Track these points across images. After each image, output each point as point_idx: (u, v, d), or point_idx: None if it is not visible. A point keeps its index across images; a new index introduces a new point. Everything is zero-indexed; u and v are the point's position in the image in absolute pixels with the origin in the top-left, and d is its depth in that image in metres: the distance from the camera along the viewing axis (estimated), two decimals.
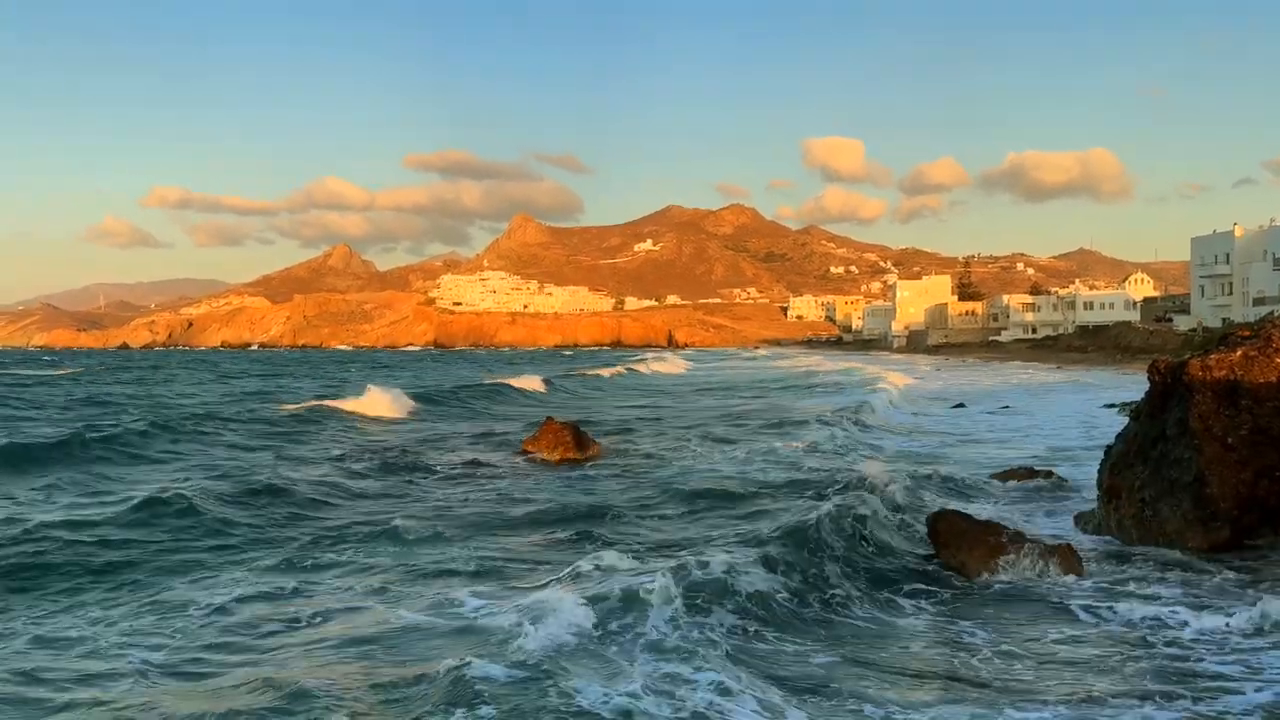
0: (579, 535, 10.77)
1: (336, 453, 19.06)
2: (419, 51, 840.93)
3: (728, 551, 8.97)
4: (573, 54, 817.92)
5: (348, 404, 28.64)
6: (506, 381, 41.42)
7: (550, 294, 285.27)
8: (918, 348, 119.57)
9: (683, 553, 9.17)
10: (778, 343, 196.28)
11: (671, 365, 66.97)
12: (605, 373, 54.54)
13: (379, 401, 29.41)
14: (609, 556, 8.87)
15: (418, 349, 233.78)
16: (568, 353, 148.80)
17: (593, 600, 7.28)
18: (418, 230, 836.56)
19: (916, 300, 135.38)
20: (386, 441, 20.92)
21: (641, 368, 63.74)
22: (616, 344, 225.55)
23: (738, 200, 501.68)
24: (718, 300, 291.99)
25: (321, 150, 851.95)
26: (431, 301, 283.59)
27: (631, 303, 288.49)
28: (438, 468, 16.86)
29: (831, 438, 19.61)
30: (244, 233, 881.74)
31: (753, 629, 7.48)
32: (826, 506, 11.01)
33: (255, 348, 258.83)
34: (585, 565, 8.62)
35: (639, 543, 10.33)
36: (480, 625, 7.16)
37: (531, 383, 41.92)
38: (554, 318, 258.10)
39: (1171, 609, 8.12)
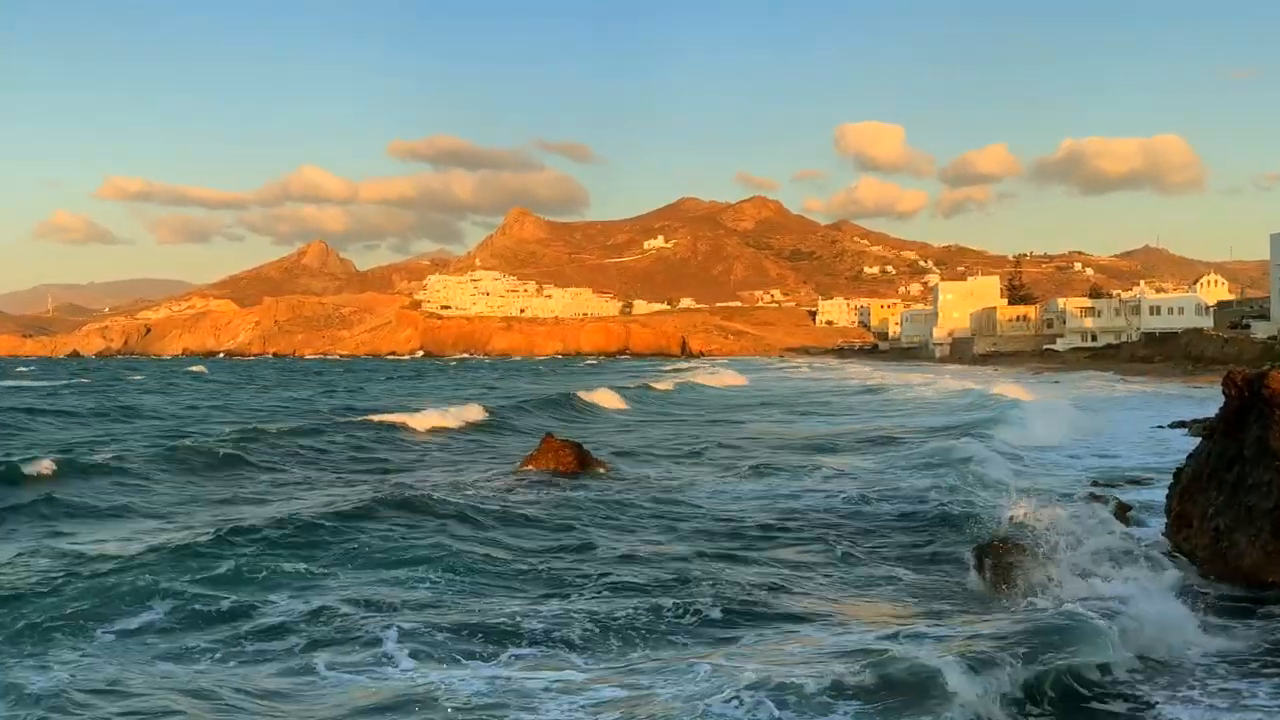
0: None
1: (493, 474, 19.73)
2: (406, 27, 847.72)
3: None
4: (579, 30, 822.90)
5: (429, 419, 29.89)
6: (575, 393, 41.71)
7: (550, 296, 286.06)
8: (963, 357, 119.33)
9: None
10: (805, 351, 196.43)
11: (726, 377, 67.46)
12: (659, 385, 54.41)
13: (456, 415, 31.51)
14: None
15: (403, 358, 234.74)
16: (590, 361, 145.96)
17: None
18: (403, 225, 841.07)
19: (961, 304, 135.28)
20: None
21: (699, 379, 64.03)
22: (624, 352, 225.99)
23: (760, 192, 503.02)
24: (737, 304, 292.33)
25: (298, 136, 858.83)
26: (417, 305, 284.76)
27: (640, 306, 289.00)
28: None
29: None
30: (210, 228, 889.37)
31: None
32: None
33: (221, 356, 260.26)
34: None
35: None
36: None
37: (608, 398, 42.64)
38: (554, 323, 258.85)
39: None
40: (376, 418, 29.92)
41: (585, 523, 13.75)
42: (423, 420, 29.81)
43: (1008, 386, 43.85)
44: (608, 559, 11.47)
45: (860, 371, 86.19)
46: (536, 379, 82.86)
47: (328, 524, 12.71)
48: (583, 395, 42.03)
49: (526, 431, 28.98)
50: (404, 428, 28.41)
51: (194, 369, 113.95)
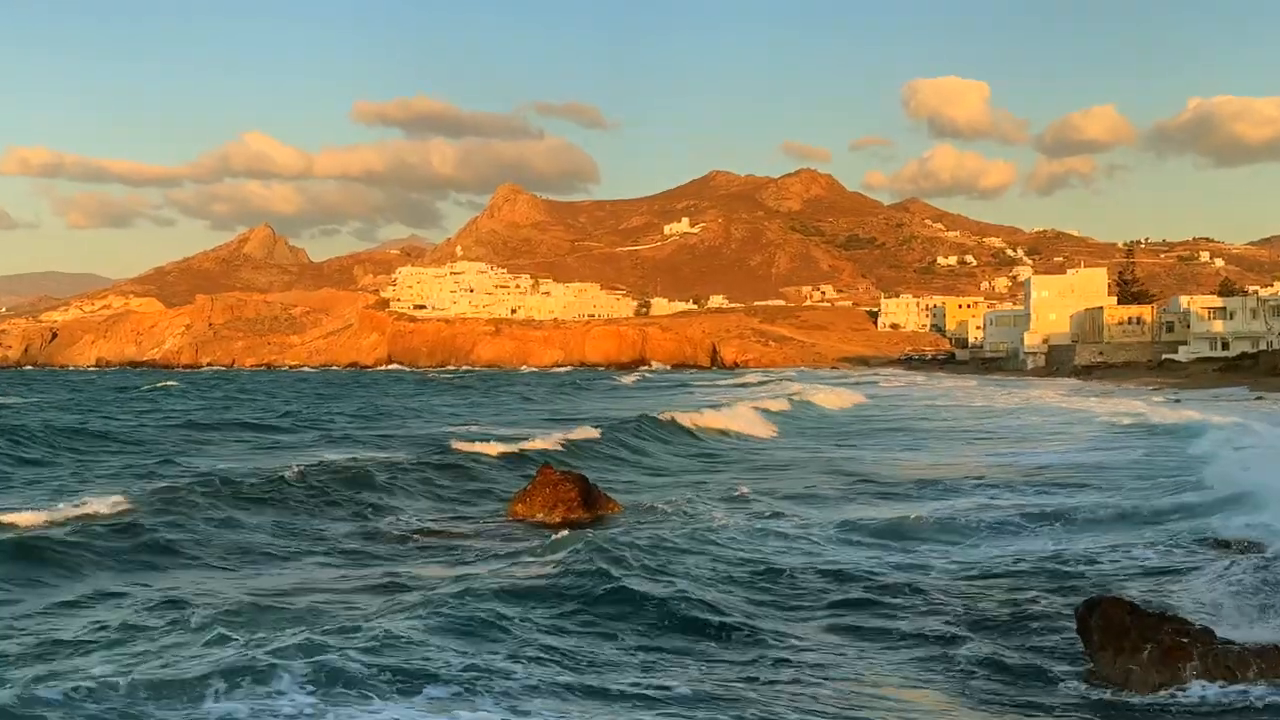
0: None
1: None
2: None
3: None
4: None
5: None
6: (688, 422, 42.03)
7: (548, 293, 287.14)
8: (1060, 368, 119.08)
9: None
10: (864, 361, 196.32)
11: (837, 396, 68.11)
12: (773, 405, 54.69)
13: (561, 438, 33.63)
14: None
15: (367, 369, 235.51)
16: (626, 379, 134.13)
17: None
18: (368, 205, 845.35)
19: (1059, 302, 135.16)
20: None
21: (814, 398, 64.12)
22: (640, 363, 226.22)
23: (809, 164, 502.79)
24: (780, 302, 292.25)
25: (240, 96, 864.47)
26: (384, 304, 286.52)
27: (660, 306, 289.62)
28: None
29: None
30: (133, 209, 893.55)
31: None
32: None
33: (143, 367, 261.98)
34: None
35: None
36: None
37: (741, 419, 43.82)
38: (553, 326, 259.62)
39: None
40: (468, 446, 31.06)
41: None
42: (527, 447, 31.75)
43: (1187, 412, 44.57)
44: None
45: (960, 388, 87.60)
46: (573, 397, 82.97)
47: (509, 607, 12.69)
48: (703, 419, 42.87)
49: (661, 465, 30.55)
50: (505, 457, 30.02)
51: (166, 384, 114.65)
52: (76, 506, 19.21)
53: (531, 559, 15.83)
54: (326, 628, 11.33)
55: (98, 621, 12.40)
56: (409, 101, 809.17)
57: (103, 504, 19.37)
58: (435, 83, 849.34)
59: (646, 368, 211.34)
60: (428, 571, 15.61)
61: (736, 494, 23.37)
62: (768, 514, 20.41)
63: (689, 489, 24.74)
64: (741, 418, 45.10)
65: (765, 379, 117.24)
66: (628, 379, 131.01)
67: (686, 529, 18.06)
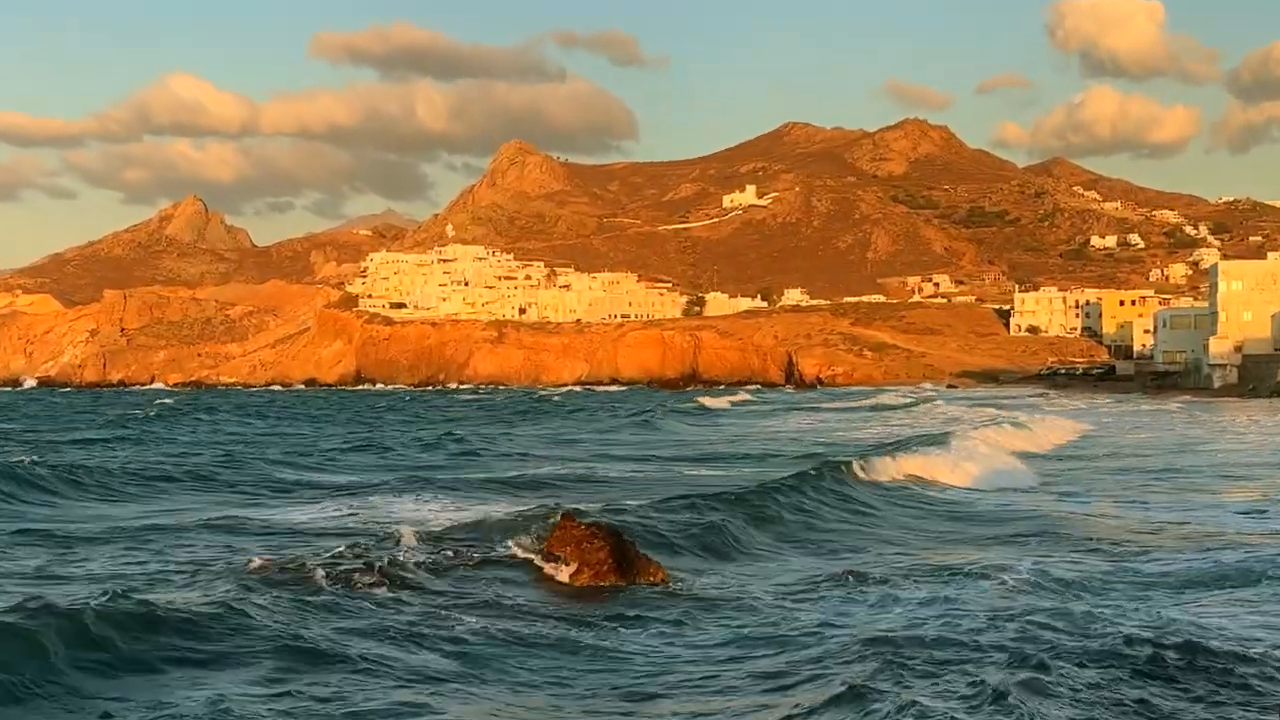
0: None
1: None
2: None
3: None
4: None
5: None
6: None
7: (568, 286, 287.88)
8: (1259, 386, 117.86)
9: None
10: (992, 377, 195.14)
11: (1056, 427, 68.62)
12: (1004, 440, 56.04)
13: None
14: None
15: (324, 389, 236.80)
16: (713, 400, 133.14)
17: None
18: (332, 170, 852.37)
19: (1256, 297, 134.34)
20: None
21: (1034, 426, 65.15)
22: (690, 379, 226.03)
23: (919, 113, 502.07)
24: (878, 298, 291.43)
25: (163, 27, 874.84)
26: (351, 301, 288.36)
27: (717, 303, 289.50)
28: None
29: None
30: (20, 177, 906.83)
31: None
32: None
33: (31, 384, 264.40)
34: None
35: None
36: None
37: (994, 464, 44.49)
38: (574, 331, 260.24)
39: None
40: None
41: None
42: None
43: None
44: None
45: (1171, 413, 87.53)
46: (660, 430, 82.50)
47: None
48: (920, 465, 43.06)
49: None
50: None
51: (163, 401, 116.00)
52: None
53: None
54: None
55: None
56: (386, 32, 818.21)
57: None
58: (420, 6, 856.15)
59: (700, 386, 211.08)
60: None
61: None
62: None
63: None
64: (977, 460, 45.07)
65: (905, 400, 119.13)
66: (717, 400, 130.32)
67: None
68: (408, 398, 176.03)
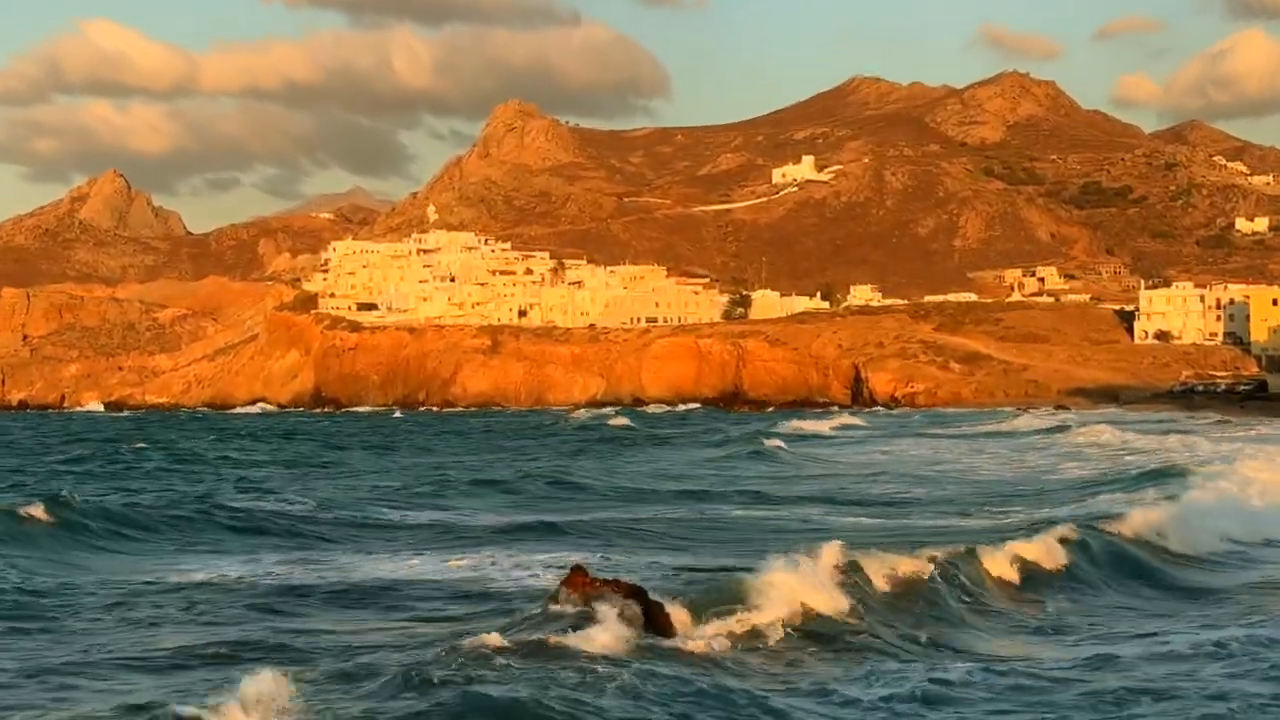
0: None
1: None
2: None
3: None
4: None
5: None
6: None
7: (579, 283, 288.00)
8: None
9: None
10: (1111, 395, 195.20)
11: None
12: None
13: None
14: None
15: (277, 410, 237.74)
16: (807, 424, 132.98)
17: None
18: (287, 138, 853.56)
19: None
20: None
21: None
22: (733, 397, 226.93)
23: (1018, 65, 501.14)
24: (968, 296, 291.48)
25: None
26: (309, 302, 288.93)
27: (765, 303, 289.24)
28: None
29: None
30: None
31: None
32: None
33: None
34: None
35: None
36: None
37: None
38: (587, 338, 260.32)
39: None
40: None
41: None
42: None
43: None
44: None
45: None
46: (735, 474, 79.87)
47: None
48: None
49: None
50: None
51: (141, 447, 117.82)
52: None
53: None
54: None
55: None
56: None
57: None
58: None
59: (746, 408, 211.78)
60: None
61: None
62: None
63: None
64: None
65: (1040, 423, 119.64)
66: (815, 424, 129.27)
67: None
68: (376, 424, 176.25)
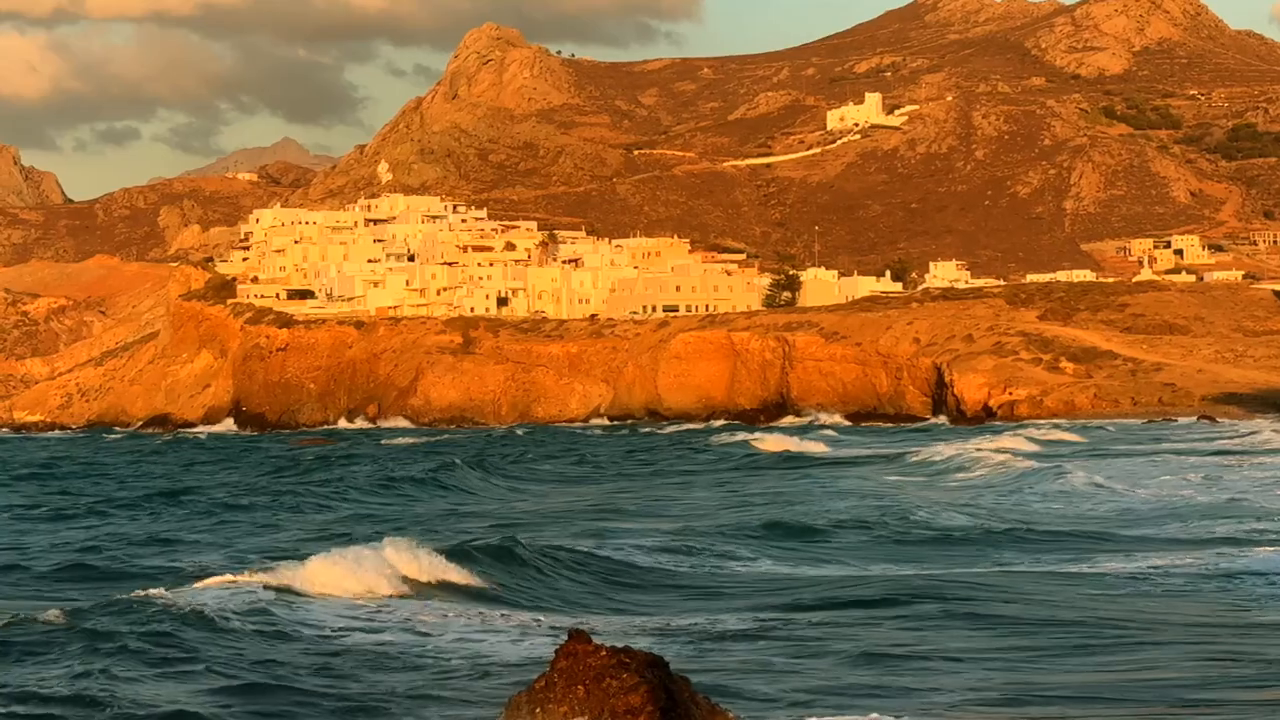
0: None
1: None
2: None
3: None
4: None
5: None
6: None
7: (577, 261, 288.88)
8: None
9: None
10: (1275, 404, 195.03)
11: None
12: None
13: None
14: None
15: (191, 432, 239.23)
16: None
17: None
18: (200, 77, 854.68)
19: None
20: None
21: None
22: (778, 411, 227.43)
23: None
24: (1084, 274, 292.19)
25: None
26: (226, 288, 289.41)
27: (818, 286, 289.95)
28: None
29: None
30: None
31: None
32: None
33: None
34: None
35: None
36: None
37: None
38: (587, 333, 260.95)
39: None
40: None
41: None
42: None
43: None
44: None
45: None
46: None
47: None
48: None
49: None
50: None
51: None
52: None
53: None
54: None
55: None
56: None
57: None
58: None
59: (794, 420, 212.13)
60: None
61: None
62: None
63: None
64: None
65: (1233, 441, 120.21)
66: (947, 447, 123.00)
67: None
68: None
